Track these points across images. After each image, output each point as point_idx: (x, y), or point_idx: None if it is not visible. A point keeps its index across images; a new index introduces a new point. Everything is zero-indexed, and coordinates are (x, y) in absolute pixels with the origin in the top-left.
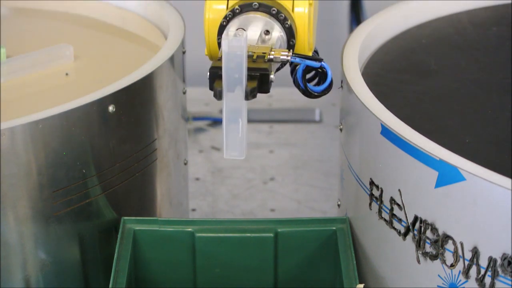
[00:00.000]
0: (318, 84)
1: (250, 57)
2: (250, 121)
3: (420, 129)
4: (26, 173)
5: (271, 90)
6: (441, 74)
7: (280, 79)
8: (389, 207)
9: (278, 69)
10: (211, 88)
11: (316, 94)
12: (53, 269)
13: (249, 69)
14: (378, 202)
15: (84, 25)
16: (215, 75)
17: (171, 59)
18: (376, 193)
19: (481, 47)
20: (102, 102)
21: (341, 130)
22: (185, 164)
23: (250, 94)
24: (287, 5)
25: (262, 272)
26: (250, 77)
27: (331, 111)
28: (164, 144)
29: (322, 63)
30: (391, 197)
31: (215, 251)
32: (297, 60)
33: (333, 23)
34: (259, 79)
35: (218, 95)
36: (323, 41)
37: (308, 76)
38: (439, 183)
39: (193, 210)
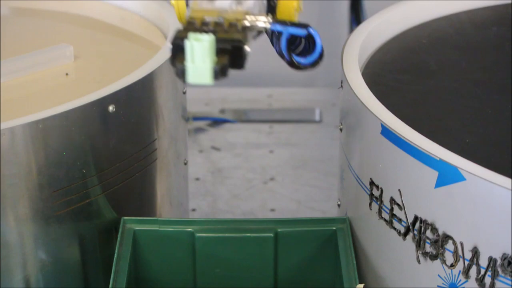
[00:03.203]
0: (305, 53)
1: (220, 24)
2: (250, 121)
3: (420, 129)
4: (26, 173)
5: (271, 90)
6: (441, 74)
7: (280, 79)
8: (389, 207)
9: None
10: (173, 64)
11: (304, 66)
12: (53, 269)
13: (218, 40)
14: (378, 202)
15: (84, 25)
16: (178, 47)
17: None
18: (376, 193)
19: (481, 47)
20: (102, 102)
21: (341, 130)
22: (185, 164)
23: (220, 73)
24: None
25: (262, 272)
26: (220, 51)
27: (331, 111)
28: (164, 144)
29: (310, 29)
30: (391, 197)
31: (215, 251)
32: (278, 27)
33: (333, 23)
34: (231, 53)
35: (181, 74)
36: (323, 41)
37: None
38: (439, 183)
39: (193, 210)
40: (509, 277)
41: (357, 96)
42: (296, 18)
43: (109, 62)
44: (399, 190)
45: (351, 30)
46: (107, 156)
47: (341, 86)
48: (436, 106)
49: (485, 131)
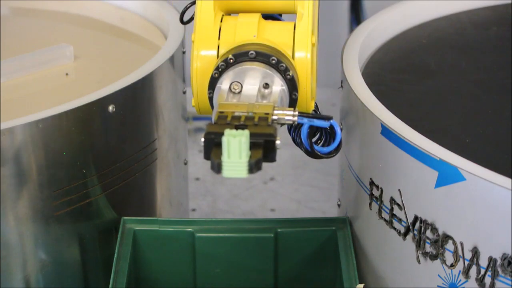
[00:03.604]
0: (322, 141)
1: (251, 118)
2: None
3: (420, 129)
4: (26, 173)
5: None
6: (441, 74)
7: None
8: (389, 207)
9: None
10: (207, 158)
11: (323, 155)
12: (53, 269)
13: (251, 134)
14: (378, 202)
15: (84, 25)
16: (211, 142)
17: (171, 59)
18: (376, 193)
19: (481, 47)
20: (102, 102)
21: (341, 130)
22: (185, 164)
23: (255, 167)
24: (286, 50)
25: (262, 272)
26: (253, 145)
27: (331, 111)
28: (164, 144)
29: (331, 121)
30: (391, 197)
31: (215, 251)
32: (305, 120)
33: (333, 23)
34: (263, 146)
35: (217, 168)
36: (323, 41)
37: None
38: (439, 183)
39: (193, 210)
40: (509, 277)
41: (357, 96)
42: (313, 104)
43: (109, 62)
44: (399, 190)
45: (351, 30)
46: (107, 156)
47: (341, 86)
48: (436, 106)
49: (485, 131)
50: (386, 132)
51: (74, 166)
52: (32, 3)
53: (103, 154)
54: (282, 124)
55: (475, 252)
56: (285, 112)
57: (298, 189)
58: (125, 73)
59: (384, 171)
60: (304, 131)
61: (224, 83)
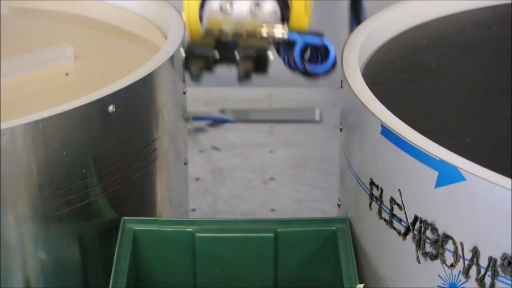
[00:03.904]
0: (315, 61)
1: (239, 35)
2: (250, 121)
3: (420, 129)
4: (26, 173)
5: (271, 90)
6: (441, 74)
7: (280, 79)
8: (389, 207)
9: None
10: (186, 68)
11: (317, 75)
12: (53, 269)
13: (243, 47)
14: (378, 202)
15: (84, 25)
16: (191, 54)
17: (171, 59)
18: (376, 193)
19: (481, 47)
20: (102, 102)
21: (341, 130)
22: (185, 164)
23: (244, 77)
24: None
25: (262, 272)
26: (244, 57)
27: (331, 111)
28: (164, 144)
29: (323, 37)
30: (391, 197)
31: (215, 251)
32: (295, 36)
33: (333, 23)
34: (255, 59)
35: (195, 77)
36: None
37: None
38: (439, 183)
39: (193, 210)
40: (509, 277)
41: (357, 96)
42: (307, 29)
43: (109, 62)
44: (399, 190)
45: (351, 30)
46: (107, 156)
47: (341, 86)
48: (436, 106)
49: (485, 131)
50: (386, 132)
51: (74, 166)
52: (32, 3)
53: (103, 154)
54: (273, 40)
55: (475, 252)
56: (274, 27)
57: (298, 189)
58: (125, 73)
59: (384, 171)
60: (297, 50)
61: (215, 3)
